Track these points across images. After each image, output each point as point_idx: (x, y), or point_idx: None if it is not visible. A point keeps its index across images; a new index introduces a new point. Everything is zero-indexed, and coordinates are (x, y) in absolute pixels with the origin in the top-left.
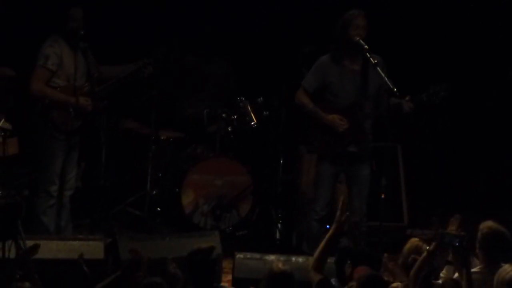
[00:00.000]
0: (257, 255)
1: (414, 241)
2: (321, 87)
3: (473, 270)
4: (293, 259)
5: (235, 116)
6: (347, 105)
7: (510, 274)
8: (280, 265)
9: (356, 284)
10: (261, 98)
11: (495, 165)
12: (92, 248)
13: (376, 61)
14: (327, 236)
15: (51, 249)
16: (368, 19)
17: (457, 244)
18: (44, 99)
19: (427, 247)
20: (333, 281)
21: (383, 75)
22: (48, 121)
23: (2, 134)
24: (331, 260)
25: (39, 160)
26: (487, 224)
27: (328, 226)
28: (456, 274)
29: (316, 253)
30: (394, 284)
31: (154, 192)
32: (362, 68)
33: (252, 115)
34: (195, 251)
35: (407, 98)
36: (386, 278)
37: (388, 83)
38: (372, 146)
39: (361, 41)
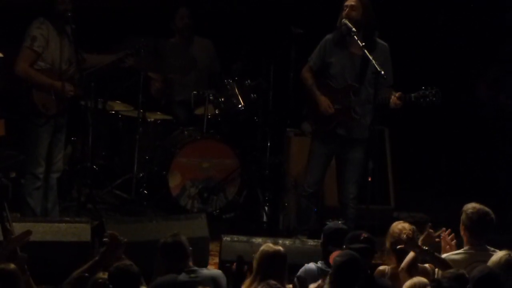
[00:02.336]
0: (244, 238)
1: (398, 223)
2: (322, 65)
3: (458, 251)
4: (280, 241)
5: (222, 99)
6: (341, 88)
7: (498, 256)
8: (274, 245)
9: (332, 267)
10: (249, 81)
11: (481, 147)
12: (78, 230)
13: (364, 43)
14: None
15: (37, 231)
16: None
17: None
18: (27, 81)
19: (413, 229)
20: (320, 264)
21: (370, 57)
22: (30, 103)
23: None
24: (317, 242)
25: (25, 142)
26: (471, 205)
27: (315, 209)
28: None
29: None
30: (381, 267)
31: (141, 174)
32: (363, 53)
33: (240, 97)
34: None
35: (396, 95)
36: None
37: (376, 65)
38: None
39: (348, 24)
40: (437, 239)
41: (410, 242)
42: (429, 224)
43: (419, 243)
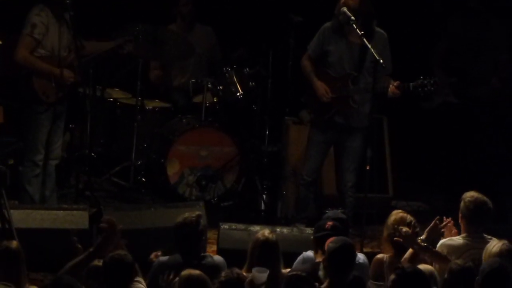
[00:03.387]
0: (242, 226)
1: (397, 212)
2: (321, 53)
3: (456, 237)
4: (278, 229)
5: (221, 87)
6: (340, 76)
7: (497, 246)
8: (266, 233)
9: (326, 253)
10: (248, 69)
11: (480, 136)
12: (76, 218)
13: (362, 32)
14: None
15: (35, 218)
16: None
17: None
18: (28, 68)
19: (411, 219)
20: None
21: (369, 46)
22: (30, 91)
23: None
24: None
25: (24, 129)
26: (470, 194)
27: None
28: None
29: None
30: (379, 256)
31: (139, 162)
32: (362, 42)
33: (238, 85)
34: (181, 224)
35: (395, 83)
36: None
37: (374, 54)
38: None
39: (347, 12)
40: (442, 230)
41: (409, 239)
42: (437, 216)
43: (425, 234)
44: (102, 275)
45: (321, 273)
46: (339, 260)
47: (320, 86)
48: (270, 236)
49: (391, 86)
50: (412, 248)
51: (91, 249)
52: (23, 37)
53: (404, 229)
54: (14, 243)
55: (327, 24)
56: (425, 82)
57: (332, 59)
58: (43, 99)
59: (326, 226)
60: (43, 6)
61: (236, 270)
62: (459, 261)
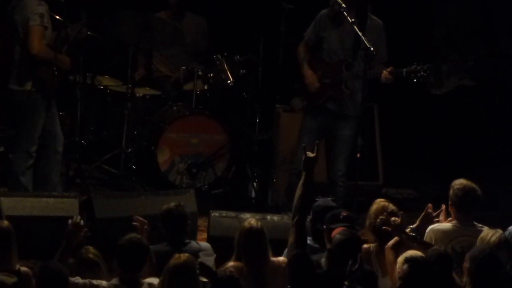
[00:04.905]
0: (233, 214)
1: (380, 201)
2: (317, 40)
3: (446, 223)
4: (268, 217)
5: (211, 74)
6: (334, 62)
7: (496, 236)
8: (251, 221)
9: (332, 244)
10: (238, 56)
11: (470, 124)
12: (66, 205)
13: (353, 19)
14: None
15: (26, 206)
16: None
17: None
18: (46, 60)
19: (393, 208)
20: (309, 240)
21: (360, 33)
22: (36, 79)
23: None
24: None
25: (22, 119)
26: (459, 181)
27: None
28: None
29: (294, 203)
30: (366, 245)
31: (130, 150)
32: (354, 29)
33: (229, 73)
34: (168, 212)
35: (388, 69)
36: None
37: (365, 41)
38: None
39: (339, 0)
40: (435, 219)
41: (397, 229)
42: (429, 205)
43: (417, 223)
44: (117, 257)
45: (323, 260)
46: (344, 253)
47: (310, 75)
48: (255, 224)
49: (384, 72)
50: (400, 238)
51: (64, 242)
52: (35, 28)
53: (393, 218)
54: (5, 223)
55: (324, 11)
56: (418, 68)
57: (326, 46)
58: (48, 88)
59: (341, 217)
60: None
61: (230, 269)
62: (436, 247)
